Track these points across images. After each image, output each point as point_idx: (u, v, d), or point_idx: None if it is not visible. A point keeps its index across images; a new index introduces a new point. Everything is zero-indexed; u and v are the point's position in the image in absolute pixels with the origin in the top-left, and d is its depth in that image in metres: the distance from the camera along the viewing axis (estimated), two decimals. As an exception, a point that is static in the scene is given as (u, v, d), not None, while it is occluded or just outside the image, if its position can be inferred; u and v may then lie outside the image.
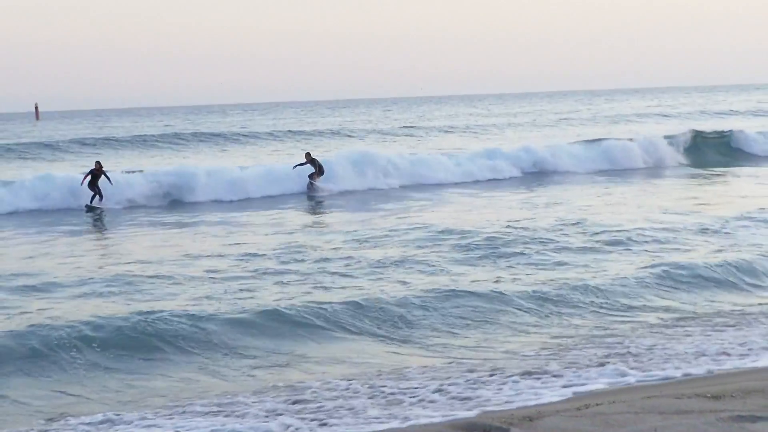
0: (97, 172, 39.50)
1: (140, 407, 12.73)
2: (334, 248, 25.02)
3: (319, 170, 40.67)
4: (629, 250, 23.78)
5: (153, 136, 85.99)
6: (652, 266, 21.09)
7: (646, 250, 23.56)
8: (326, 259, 23.11)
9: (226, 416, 12.07)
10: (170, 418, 12.09)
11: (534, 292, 18.98)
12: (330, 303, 17.92)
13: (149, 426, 11.87)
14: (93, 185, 39.10)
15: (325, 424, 11.72)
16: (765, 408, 11.01)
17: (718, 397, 11.55)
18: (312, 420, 11.87)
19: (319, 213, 37.08)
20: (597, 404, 11.49)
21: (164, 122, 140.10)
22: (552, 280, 20.03)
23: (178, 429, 11.65)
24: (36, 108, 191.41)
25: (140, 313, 17.10)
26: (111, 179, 39.83)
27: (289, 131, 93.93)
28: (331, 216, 35.24)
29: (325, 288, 19.76)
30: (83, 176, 39.96)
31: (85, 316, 17.05)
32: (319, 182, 40.34)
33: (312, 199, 39.30)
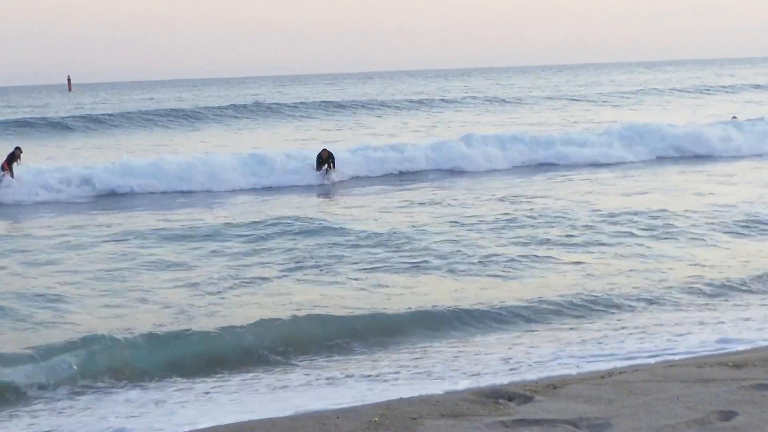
0: (12, 158, 36.89)
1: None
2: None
3: (332, 163, 37.87)
4: None
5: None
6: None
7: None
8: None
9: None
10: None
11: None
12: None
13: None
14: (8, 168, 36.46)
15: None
16: (787, 377, 10.85)
17: (740, 366, 11.41)
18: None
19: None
20: (620, 373, 11.40)
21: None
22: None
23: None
24: (69, 80, 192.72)
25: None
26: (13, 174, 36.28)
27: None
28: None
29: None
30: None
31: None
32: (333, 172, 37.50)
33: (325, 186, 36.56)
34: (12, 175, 35.89)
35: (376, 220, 25.95)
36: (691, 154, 42.64)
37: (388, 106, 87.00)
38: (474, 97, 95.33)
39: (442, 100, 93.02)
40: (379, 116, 78.42)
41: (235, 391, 12.19)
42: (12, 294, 17.52)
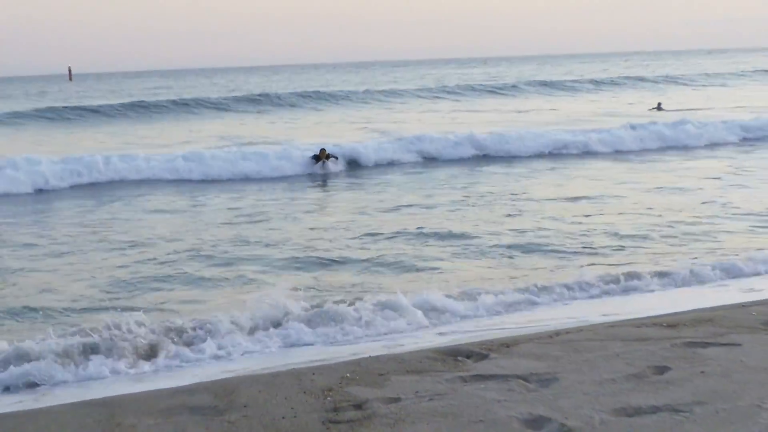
0: None
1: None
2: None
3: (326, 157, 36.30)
4: None
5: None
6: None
7: None
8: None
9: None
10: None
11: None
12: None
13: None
14: None
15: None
16: (714, 335, 11.11)
17: (673, 326, 11.66)
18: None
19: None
20: (566, 332, 11.60)
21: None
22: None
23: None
24: (69, 70, 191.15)
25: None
26: None
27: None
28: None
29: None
30: None
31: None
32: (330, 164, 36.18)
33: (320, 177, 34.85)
34: None
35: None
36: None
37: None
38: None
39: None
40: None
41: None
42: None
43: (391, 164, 38.24)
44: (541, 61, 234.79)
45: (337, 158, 36.67)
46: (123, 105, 74.52)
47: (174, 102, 77.46)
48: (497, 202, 25.68)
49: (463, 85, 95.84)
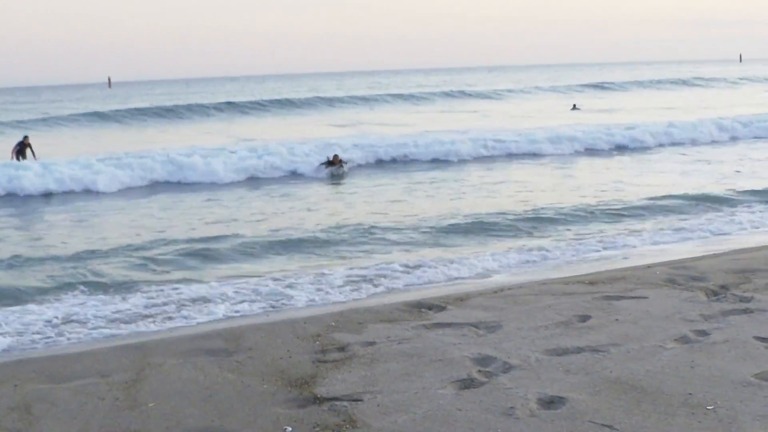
0: (23, 147, 32.54)
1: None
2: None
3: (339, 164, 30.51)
4: None
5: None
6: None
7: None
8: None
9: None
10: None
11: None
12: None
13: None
14: (21, 157, 32.15)
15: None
16: (625, 290, 11.14)
17: (594, 283, 11.70)
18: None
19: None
20: (509, 289, 11.61)
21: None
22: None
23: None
24: (108, 79, 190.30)
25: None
26: (35, 155, 32.21)
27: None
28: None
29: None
30: (12, 149, 32.58)
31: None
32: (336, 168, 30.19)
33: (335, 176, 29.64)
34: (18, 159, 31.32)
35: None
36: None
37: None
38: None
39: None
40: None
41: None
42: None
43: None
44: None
45: (346, 163, 30.98)
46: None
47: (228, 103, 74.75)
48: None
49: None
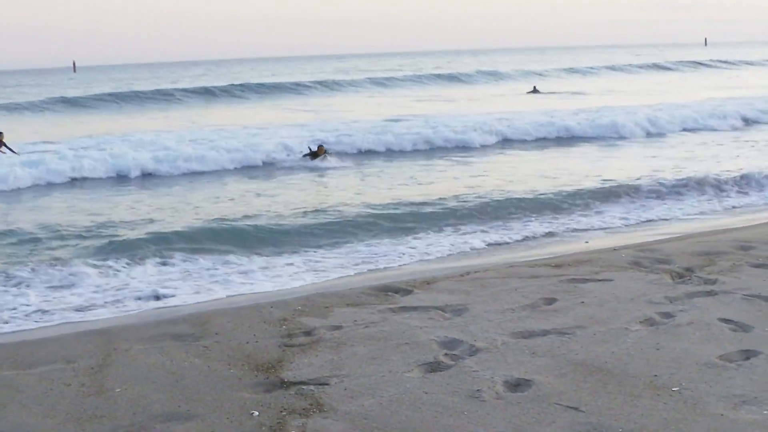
0: None
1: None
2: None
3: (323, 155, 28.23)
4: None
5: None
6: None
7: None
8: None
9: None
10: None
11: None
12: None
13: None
14: None
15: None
16: (591, 273, 11.20)
17: (560, 266, 11.75)
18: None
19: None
20: (475, 272, 11.63)
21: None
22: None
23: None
24: (74, 63, 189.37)
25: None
26: (15, 150, 28.88)
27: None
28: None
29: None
30: None
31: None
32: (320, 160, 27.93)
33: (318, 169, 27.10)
34: None
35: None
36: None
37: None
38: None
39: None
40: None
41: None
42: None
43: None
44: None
45: (331, 154, 28.63)
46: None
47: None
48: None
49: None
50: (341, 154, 29.72)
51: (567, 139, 33.78)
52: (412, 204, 18.76)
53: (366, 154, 31.22)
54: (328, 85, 76.94)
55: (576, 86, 72.61)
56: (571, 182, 21.39)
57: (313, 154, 28.34)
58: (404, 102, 57.56)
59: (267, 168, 28.12)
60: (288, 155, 29.40)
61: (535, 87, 68.33)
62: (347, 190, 22.04)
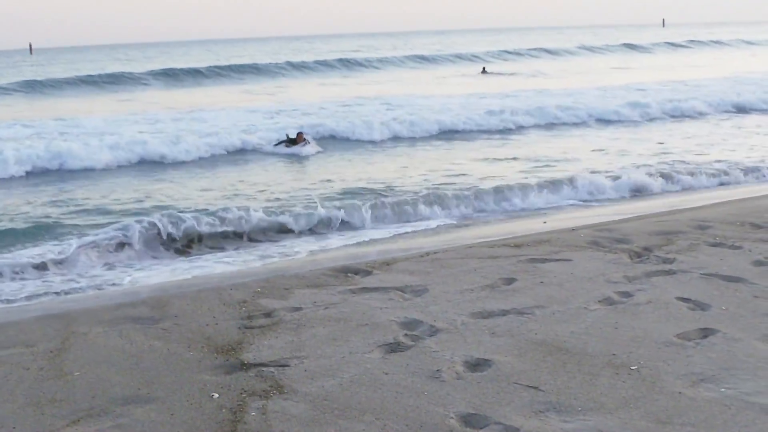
0: None
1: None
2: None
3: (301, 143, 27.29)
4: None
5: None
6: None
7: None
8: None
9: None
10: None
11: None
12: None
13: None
14: None
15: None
16: (550, 253, 11.23)
17: (519, 246, 11.77)
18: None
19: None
20: (435, 253, 11.65)
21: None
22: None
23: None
24: (30, 45, 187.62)
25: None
26: None
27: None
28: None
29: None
30: None
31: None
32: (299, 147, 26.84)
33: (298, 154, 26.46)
34: None
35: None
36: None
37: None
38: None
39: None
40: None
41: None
42: None
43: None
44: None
45: (309, 143, 27.41)
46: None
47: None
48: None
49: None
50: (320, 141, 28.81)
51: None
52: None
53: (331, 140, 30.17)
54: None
55: (519, 67, 72.97)
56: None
57: (291, 141, 27.40)
58: (360, 87, 57.37)
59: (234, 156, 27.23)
60: (260, 144, 28.27)
61: (484, 68, 68.63)
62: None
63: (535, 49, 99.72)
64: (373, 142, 29.42)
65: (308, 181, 20.97)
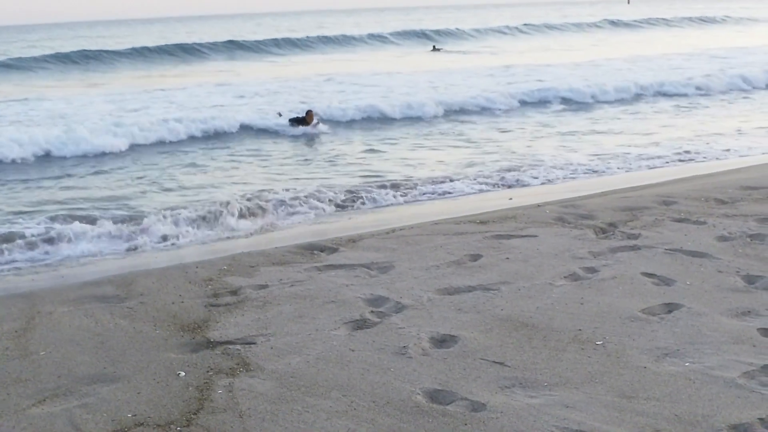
0: None
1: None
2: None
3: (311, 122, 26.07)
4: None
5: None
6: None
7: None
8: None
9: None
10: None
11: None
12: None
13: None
14: None
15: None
16: (516, 229, 11.28)
17: (485, 222, 11.82)
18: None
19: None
20: (401, 229, 11.65)
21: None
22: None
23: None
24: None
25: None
26: None
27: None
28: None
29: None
30: None
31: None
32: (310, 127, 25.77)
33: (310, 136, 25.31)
34: None
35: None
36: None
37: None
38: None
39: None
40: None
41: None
42: None
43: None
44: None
45: (319, 123, 26.23)
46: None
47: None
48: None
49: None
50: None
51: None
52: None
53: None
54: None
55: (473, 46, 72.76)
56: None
57: (301, 121, 26.24)
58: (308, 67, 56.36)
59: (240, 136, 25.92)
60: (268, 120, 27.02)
61: (434, 46, 68.57)
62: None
63: (484, 30, 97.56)
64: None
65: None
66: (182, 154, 22.16)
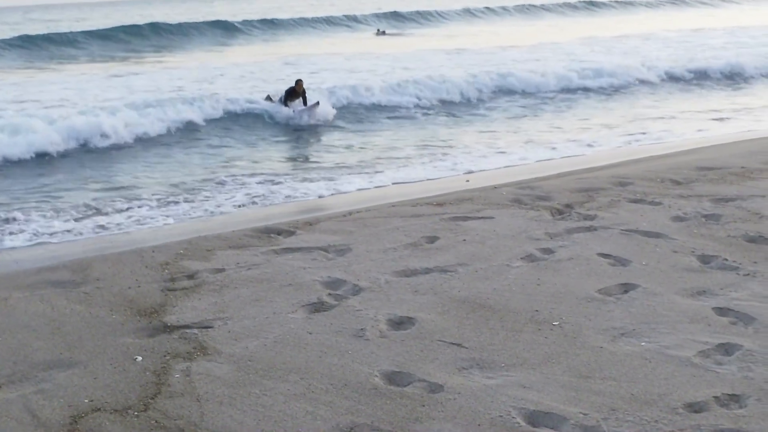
0: None
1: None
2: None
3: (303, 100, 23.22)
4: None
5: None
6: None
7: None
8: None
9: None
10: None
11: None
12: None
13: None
14: None
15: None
16: (473, 211, 11.33)
17: (441, 204, 11.86)
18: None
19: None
20: (358, 212, 11.67)
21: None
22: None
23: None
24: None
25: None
26: None
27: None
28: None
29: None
30: None
31: None
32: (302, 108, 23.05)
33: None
34: None
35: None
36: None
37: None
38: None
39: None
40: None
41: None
42: None
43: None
44: None
45: (317, 102, 23.28)
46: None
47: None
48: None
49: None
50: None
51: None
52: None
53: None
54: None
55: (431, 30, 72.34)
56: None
57: (291, 93, 23.42)
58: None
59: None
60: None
61: (378, 29, 68.24)
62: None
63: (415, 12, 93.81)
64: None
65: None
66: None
